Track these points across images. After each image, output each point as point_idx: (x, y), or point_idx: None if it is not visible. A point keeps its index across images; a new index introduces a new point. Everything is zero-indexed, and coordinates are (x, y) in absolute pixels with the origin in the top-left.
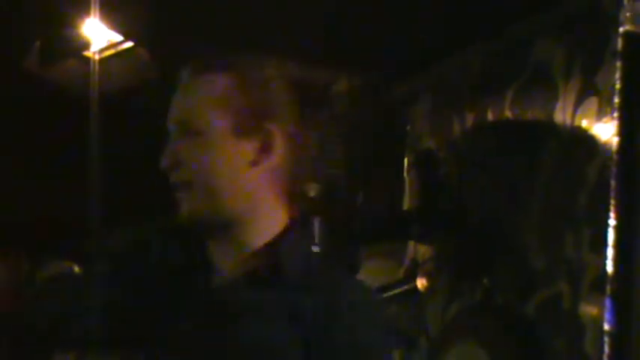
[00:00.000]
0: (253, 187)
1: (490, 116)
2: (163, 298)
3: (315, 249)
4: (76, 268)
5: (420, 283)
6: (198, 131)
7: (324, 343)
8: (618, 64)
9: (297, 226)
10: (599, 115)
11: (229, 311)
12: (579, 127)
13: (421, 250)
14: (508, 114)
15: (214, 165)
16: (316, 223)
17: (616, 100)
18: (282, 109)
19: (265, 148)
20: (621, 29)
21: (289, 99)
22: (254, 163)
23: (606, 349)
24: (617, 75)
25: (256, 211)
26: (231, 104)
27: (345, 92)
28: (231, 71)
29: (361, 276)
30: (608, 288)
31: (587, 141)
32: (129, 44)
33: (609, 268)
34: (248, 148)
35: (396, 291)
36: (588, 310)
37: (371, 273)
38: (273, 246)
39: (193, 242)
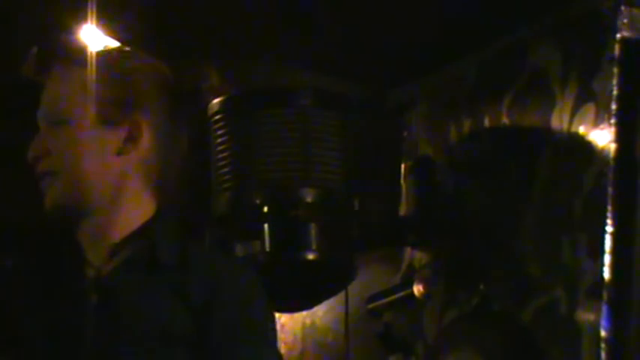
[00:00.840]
0: (119, 177)
1: (487, 123)
2: (44, 298)
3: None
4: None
5: (417, 289)
6: (62, 120)
7: (208, 319)
8: (615, 70)
9: (165, 214)
10: (597, 121)
11: (104, 301)
12: (576, 134)
13: (418, 257)
14: (505, 121)
15: (79, 153)
16: (313, 229)
17: (613, 106)
18: (149, 100)
19: (131, 138)
20: (618, 35)
21: (158, 91)
22: (120, 152)
23: (603, 355)
24: (615, 81)
25: (122, 201)
26: (96, 94)
27: (215, 88)
28: (96, 63)
29: (358, 282)
30: (604, 294)
31: (584, 147)
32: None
33: (606, 274)
34: (114, 137)
35: (393, 297)
36: (585, 316)
37: (368, 279)
38: (142, 233)
39: (66, 238)
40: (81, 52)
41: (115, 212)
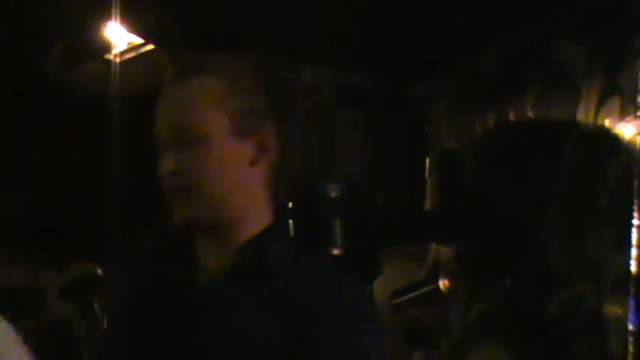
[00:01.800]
0: (250, 186)
1: (512, 116)
2: (154, 300)
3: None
4: (99, 271)
5: (443, 284)
6: (199, 136)
7: (313, 337)
8: None
9: (279, 223)
10: (622, 114)
11: (215, 308)
12: (602, 127)
13: (443, 251)
14: (530, 114)
15: (216, 170)
16: (338, 224)
17: (639, 99)
18: (276, 107)
19: (262, 148)
20: None
21: (282, 97)
22: (252, 163)
23: (630, 348)
24: None
25: (248, 210)
26: (228, 106)
27: (325, 90)
28: (221, 73)
29: (383, 277)
30: (631, 288)
31: (610, 140)
32: (149, 47)
33: (633, 267)
34: (247, 148)
35: (418, 292)
36: (612, 310)
37: (393, 274)
38: (255, 242)
39: (181, 241)
40: (213, 62)
41: (240, 222)
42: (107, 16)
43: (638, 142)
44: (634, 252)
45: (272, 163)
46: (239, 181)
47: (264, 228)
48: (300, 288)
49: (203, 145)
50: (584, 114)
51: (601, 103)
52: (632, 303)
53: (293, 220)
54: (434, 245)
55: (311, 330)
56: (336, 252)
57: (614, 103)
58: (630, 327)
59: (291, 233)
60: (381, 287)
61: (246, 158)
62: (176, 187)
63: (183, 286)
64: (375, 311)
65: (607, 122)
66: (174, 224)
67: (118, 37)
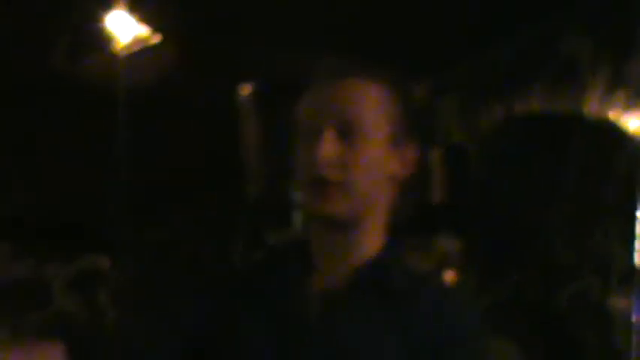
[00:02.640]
0: (384, 200)
1: (518, 110)
2: (264, 297)
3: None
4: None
5: (449, 277)
6: (361, 134)
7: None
8: None
9: (397, 241)
10: (628, 106)
11: (337, 319)
12: (608, 119)
13: (450, 244)
14: (536, 107)
15: (369, 170)
16: None
17: None
18: (423, 123)
19: (405, 163)
20: None
21: (426, 114)
22: (393, 177)
23: (635, 340)
24: None
25: (375, 223)
26: (390, 114)
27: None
28: (385, 81)
29: None
30: (636, 280)
31: (616, 133)
32: (156, 39)
33: (638, 260)
34: (394, 159)
35: None
36: (618, 302)
37: None
38: (380, 260)
39: (300, 240)
40: (376, 70)
41: (364, 232)
42: (114, 7)
43: None
44: (639, 245)
45: (404, 181)
46: (380, 191)
47: (384, 247)
48: (420, 308)
49: (363, 144)
50: (589, 107)
51: (606, 95)
52: (637, 295)
53: (300, 214)
54: (441, 238)
55: (438, 353)
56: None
57: (620, 95)
58: (634, 319)
59: (406, 254)
60: None
61: (389, 170)
62: (327, 178)
63: (297, 289)
64: (486, 333)
65: (612, 115)
66: (311, 215)
67: (125, 28)
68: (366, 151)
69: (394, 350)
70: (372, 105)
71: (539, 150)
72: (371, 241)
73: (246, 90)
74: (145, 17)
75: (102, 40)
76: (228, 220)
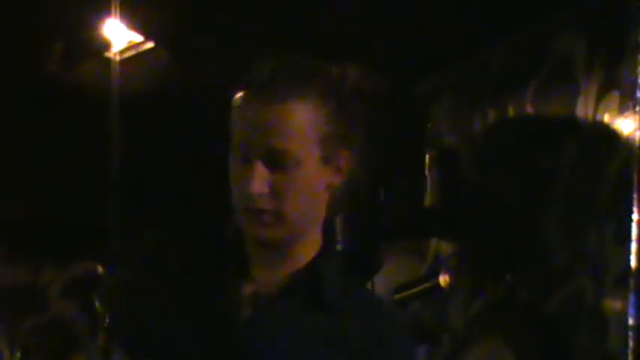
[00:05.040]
0: (319, 209)
1: (511, 112)
2: (191, 303)
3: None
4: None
5: (443, 279)
6: (294, 163)
7: None
8: None
9: (332, 247)
10: (621, 109)
11: (266, 324)
12: (601, 122)
13: (444, 247)
14: (529, 110)
15: (301, 196)
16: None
17: (638, 94)
18: (355, 128)
19: (340, 171)
20: None
21: (360, 121)
22: (327, 187)
23: (630, 343)
24: (639, 69)
25: (311, 231)
26: (320, 133)
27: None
28: (316, 98)
29: (384, 273)
30: (631, 283)
31: (609, 136)
32: (149, 45)
33: (633, 262)
34: (327, 174)
35: (419, 288)
36: (612, 305)
37: (394, 270)
38: (312, 268)
39: (231, 248)
40: (309, 86)
41: (300, 244)
42: (107, 14)
43: (637, 137)
44: (634, 247)
45: (340, 186)
46: (315, 207)
47: (318, 255)
48: (351, 318)
49: (295, 172)
50: (583, 109)
51: (600, 97)
52: (632, 298)
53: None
54: (435, 240)
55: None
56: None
57: (614, 97)
58: (631, 322)
59: (340, 259)
60: (382, 283)
61: (324, 184)
62: (260, 208)
63: (230, 293)
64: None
65: (606, 117)
66: (250, 241)
67: (118, 35)
68: (299, 178)
69: (321, 357)
70: (301, 130)
71: (533, 152)
72: (306, 251)
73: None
74: (137, 23)
75: (95, 45)
76: (225, 223)
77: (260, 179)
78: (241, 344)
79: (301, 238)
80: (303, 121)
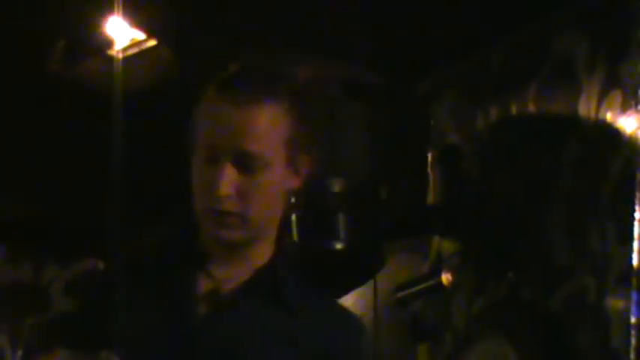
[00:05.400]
0: (278, 213)
1: (513, 110)
2: (156, 297)
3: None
4: (101, 265)
5: (446, 278)
6: (262, 166)
7: None
8: None
9: (290, 246)
10: (624, 108)
11: (227, 324)
12: (603, 121)
13: (446, 245)
14: (531, 108)
15: (267, 198)
16: (341, 219)
17: None
18: (313, 134)
19: (298, 175)
20: None
21: (317, 124)
22: (287, 189)
23: (632, 341)
24: None
25: (270, 231)
26: (286, 136)
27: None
28: (284, 101)
29: (386, 271)
30: (634, 281)
31: (612, 134)
32: (152, 43)
33: (635, 261)
34: (289, 176)
35: (422, 286)
36: (614, 303)
37: (396, 268)
38: (273, 265)
39: (196, 251)
40: (278, 88)
41: (259, 245)
42: (109, 12)
43: (639, 136)
44: (636, 245)
45: (297, 188)
46: (276, 207)
47: (278, 251)
48: (306, 319)
49: (263, 175)
50: (585, 107)
51: (602, 96)
52: (634, 296)
53: (296, 215)
54: (437, 239)
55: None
56: (338, 246)
57: (616, 96)
58: (633, 320)
59: (295, 262)
60: (384, 281)
61: (286, 186)
62: (226, 210)
63: (188, 288)
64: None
65: (608, 116)
66: (209, 240)
67: (121, 32)
68: (266, 181)
69: (277, 354)
70: (270, 132)
71: (535, 151)
72: (264, 250)
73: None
74: (140, 21)
75: (98, 43)
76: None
77: (228, 181)
78: (199, 342)
79: (261, 238)
80: (271, 123)
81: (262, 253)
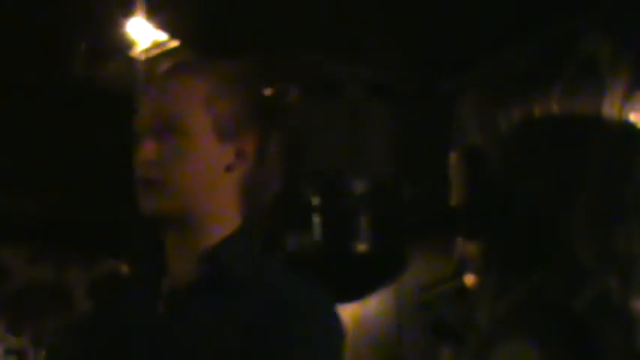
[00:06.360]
0: (222, 192)
1: (536, 111)
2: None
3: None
4: (124, 268)
5: (469, 279)
6: (179, 130)
7: (264, 351)
8: None
9: (243, 231)
10: None
11: (177, 316)
12: (628, 122)
13: (469, 247)
14: (555, 109)
15: (191, 166)
16: (363, 220)
17: None
18: (259, 115)
19: (242, 155)
20: None
21: (261, 106)
22: (229, 169)
23: None
24: None
25: (218, 215)
26: (213, 108)
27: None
28: (213, 76)
29: (409, 274)
30: None
31: (636, 135)
32: (174, 44)
33: None
34: (226, 153)
35: (445, 288)
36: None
37: (419, 270)
38: (214, 249)
39: (154, 245)
40: (205, 65)
41: (208, 227)
42: (132, 13)
43: None
44: None
45: (249, 171)
46: (213, 184)
47: (224, 237)
48: (255, 300)
49: (183, 140)
50: (609, 108)
51: (627, 97)
52: None
53: (320, 217)
54: (460, 241)
55: (263, 344)
56: (361, 248)
57: None
58: None
59: (253, 243)
60: (407, 283)
61: (223, 163)
62: (150, 177)
63: (151, 290)
64: (332, 325)
65: (633, 116)
66: (143, 216)
67: (143, 34)
68: (185, 146)
69: (230, 340)
70: (190, 101)
71: (559, 151)
72: (217, 235)
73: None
74: (162, 22)
75: (121, 45)
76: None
77: (148, 148)
78: (156, 342)
79: (205, 221)
80: (194, 93)
81: (214, 238)
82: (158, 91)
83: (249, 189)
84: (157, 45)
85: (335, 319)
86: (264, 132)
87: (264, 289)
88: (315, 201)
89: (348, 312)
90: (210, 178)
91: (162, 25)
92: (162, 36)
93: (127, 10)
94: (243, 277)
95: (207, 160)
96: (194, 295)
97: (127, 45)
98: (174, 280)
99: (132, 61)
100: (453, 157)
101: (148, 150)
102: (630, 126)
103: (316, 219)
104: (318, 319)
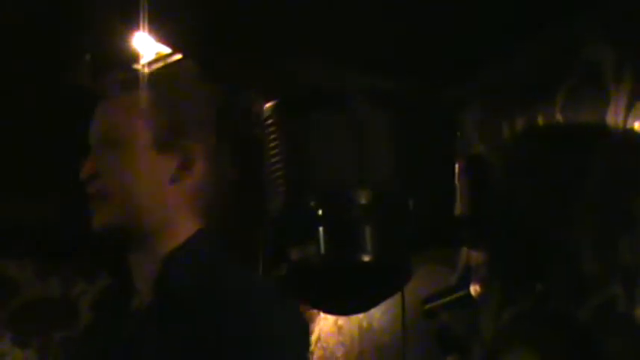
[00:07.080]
0: (170, 203)
1: (540, 120)
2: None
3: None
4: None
5: (474, 289)
6: (118, 143)
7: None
8: None
9: (196, 239)
10: None
11: (143, 338)
12: (631, 131)
13: (474, 257)
14: (558, 118)
15: (133, 177)
16: (368, 231)
17: None
18: (203, 125)
19: (185, 166)
20: None
21: (210, 116)
22: (173, 180)
23: None
24: None
25: (171, 226)
26: (152, 119)
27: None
28: (151, 87)
29: (414, 283)
30: None
31: None
32: (177, 57)
33: None
34: (168, 164)
35: (450, 298)
36: None
37: (424, 280)
38: (162, 262)
39: (115, 258)
40: (137, 76)
41: (162, 238)
42: (135, 26)
43: None
44: None
45: (198, 183)
46: (159, 196)
47: (174, 247)
48: (207, 310)
49: (121, 153)
50: (613, 117)
51: (630, 106)
52: None
53: (324, 228)
54: (465, 250)
55: (216, 355)
56: (366, 258)
57: None
58: None
59: (211, 249)
60: (411, 293)
61: (167, 174)
62: (94, 191)
63: (116, 311)
64: (293, 331)
65: (637, 125)
66: (95, 231)
67: (146, 47)
68: (123, 159)
69: (187, 353)
70: (128, 115)
71: (562, 160)
72: (174, 246)
73: (268, 105)
74: (165, 35)
75: (123, 58)
76: (249, 236)
77: (89, 162)
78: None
79: (165, 238)
80: (130, 107)
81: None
82: (101, 107)
83: (202, 197)
84: (159, 58)
85: (291, 315)
86: (216, 140)
87: (216, 295)
88: (320, 212)
89: (353, 322)
90: (154, 189)
91: (166, 39)
92: (165, 49)
93: (130, 24)
94: (197, 285)
95: (147, 172)
96: (153, 311)
97: (129, 58)
98: (141, 297)
99: (135, 74)
100: (457, 167)
101: (87, 165)
102: (634, 135)
103: (321, 230)
104: (271, 322)
